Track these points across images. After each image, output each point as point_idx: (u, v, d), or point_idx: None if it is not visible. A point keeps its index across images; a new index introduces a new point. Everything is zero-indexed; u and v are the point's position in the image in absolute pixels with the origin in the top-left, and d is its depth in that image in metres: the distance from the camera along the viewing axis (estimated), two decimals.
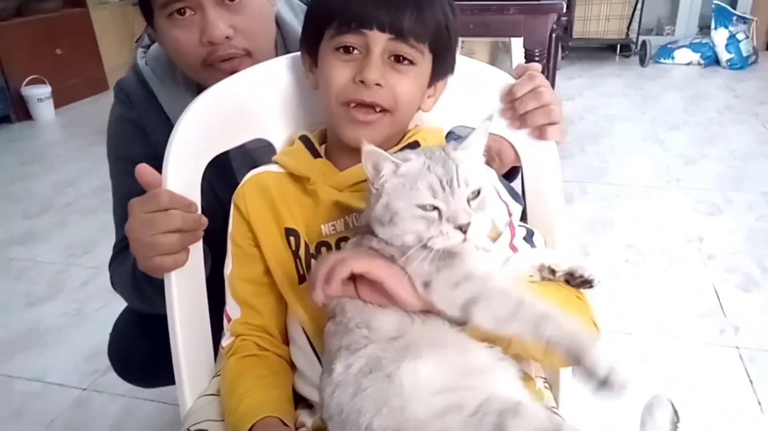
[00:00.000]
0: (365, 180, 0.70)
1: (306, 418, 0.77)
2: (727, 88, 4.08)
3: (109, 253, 1.08)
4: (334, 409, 0.62)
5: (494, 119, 0.87)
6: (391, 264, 0.65)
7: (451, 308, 0.62)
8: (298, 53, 0.87)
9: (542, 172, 0.88)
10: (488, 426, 0.55)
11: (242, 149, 0.98)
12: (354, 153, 0.72)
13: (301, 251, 0.80)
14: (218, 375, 0.85)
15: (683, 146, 3.16)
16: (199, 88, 0.98)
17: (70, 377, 1.72)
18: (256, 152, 0.99)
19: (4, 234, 2.58)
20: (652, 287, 2.00)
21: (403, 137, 0.84)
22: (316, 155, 0.84)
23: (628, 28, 4.74)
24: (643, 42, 4.64)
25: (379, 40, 0.73)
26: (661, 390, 0.69)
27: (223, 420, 0.77)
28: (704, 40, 4.57)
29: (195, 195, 0.83)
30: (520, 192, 0.87)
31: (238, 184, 0.85)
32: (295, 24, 1.05)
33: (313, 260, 0.79)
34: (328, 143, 0.86)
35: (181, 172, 0.82)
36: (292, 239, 0.80)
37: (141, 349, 1.11)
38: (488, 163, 0.89)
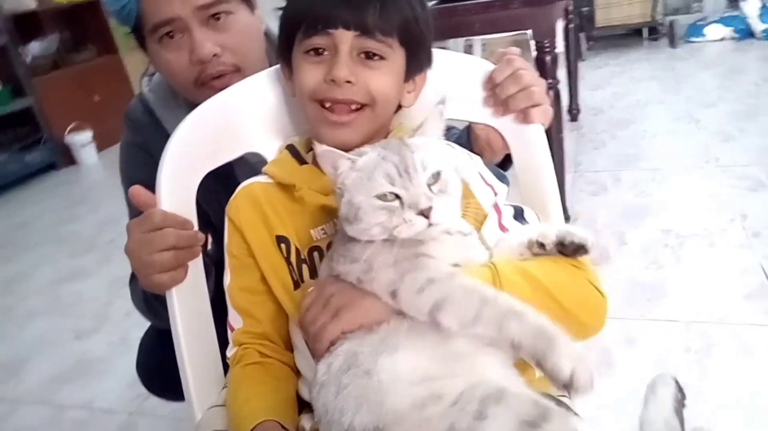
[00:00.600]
0: None
1: (306, 422, 0.77)
2: (764, 60, 3.89)
3: None
4: (321, 410, 0.62)
5: (478, 107, 0.87)
6: (362, 294, 0.66)
7: (420, 314, 0.62)
8: (278, 66, 0.89)
9: (531, 155, 0.87)
10: (468, 415, 0.53)
11: (247, 165, 1.00)
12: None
13: (293, 258, 0.81)
14: (226, 386, 0.86)
15: (720, 123, 3.02)
16: None
17: (116, 402, 1.78)
18: (258, 167, 1.00)
19: (54, 274, 2.70)
20: (695, 270, 1.91)
21: (386, 136, 0.85)
22: (302, 162, 0.85)
23: (654, 9, 4.60)
24: (671, 22, 4.50)
25: (345, 39, 0.74)
26: (707, 377, 0.65)
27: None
28: (735, 13, 4.39)
29: (190, 212, 0.86)
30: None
31: None
32: None
33: (305, 276, 0.80)
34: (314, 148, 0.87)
35: (174, 190, 0.85)
36: (283, 246, 0.81)
37: (165, 363, 1.14)
38: (480, 153, 0.89)
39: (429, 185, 0.63)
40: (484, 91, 0.87)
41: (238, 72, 0.96)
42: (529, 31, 2.81)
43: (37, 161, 4.07)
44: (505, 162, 0.97)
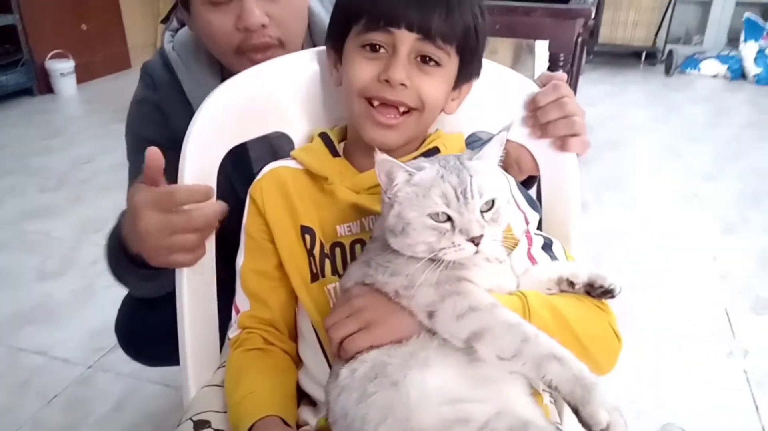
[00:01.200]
0: None
1: (309, 416, 0.77)
2: (752, 104, 4.01)
3: None
4: (339, 413, 0.61)
5: (515, 126, 0.86)
6: (395, 310, 0.65)
7: (455, 340, 0.62)
8: (323, 48, 0.86)
9: (561, 182, 0.87)
10: None
11: (262, 138, 0.97)
12: (373, 154, 0.71)
13: (316, 250, 0.79)
14: (223, 366, 0.85)
15: (703, 160, 3.11)
16: (223, 76, 0.98)
17: (75, 353, 1.74)
18: (275, 142, 0.98)
19: (20, 207, 2.60)
20: (663, 302, 1.98)
21: (423, 141, 0.84)
22: (335, 153, 0.83)
23: (656, 35, 4.67)
24: (670, 51, 4.58)
25: (406, 40, 0.73)
26: (664, 408, 0.67)
27: (225, 412, 0.77)
28: (732, 53, 4.50)
29: (212, 183, 0.83)
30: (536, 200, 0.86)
31: (254, 175, 0.85)
32: (324, 16, 1.05)
33: (327, 270, 0.78)
34: (347, 141, 0.86)
35: (199, 160, 0.82)
36: (307, 236, 0.80)
37: (147, 326, 1.12)
38: (506, 170, 0.88)
39: (482, 212, 0.63)
40: (525, 111, 0.86)
41: (281, 47, 0.93)
42: (538, 42, 2.82)
43: (12, 83, 3.87)
44: (526, 183, 0.97)
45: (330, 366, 0.75)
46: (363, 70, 0.75)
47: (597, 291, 0.69)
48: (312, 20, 1.04)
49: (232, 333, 0.83)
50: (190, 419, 0.77)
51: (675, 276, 2.13)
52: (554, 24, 1.97)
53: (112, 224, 1.09)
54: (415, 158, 0.75)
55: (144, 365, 1.30)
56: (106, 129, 3.44)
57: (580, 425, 0.56)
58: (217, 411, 0.78)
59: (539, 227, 0.81)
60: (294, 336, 0.84)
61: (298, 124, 0.92)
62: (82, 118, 3.84)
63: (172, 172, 0.80)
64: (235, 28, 0.90)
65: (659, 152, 3.24)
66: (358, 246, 0.79)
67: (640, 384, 1.61)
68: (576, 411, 0.56)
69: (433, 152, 0.80)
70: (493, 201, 0.64)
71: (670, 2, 4.49)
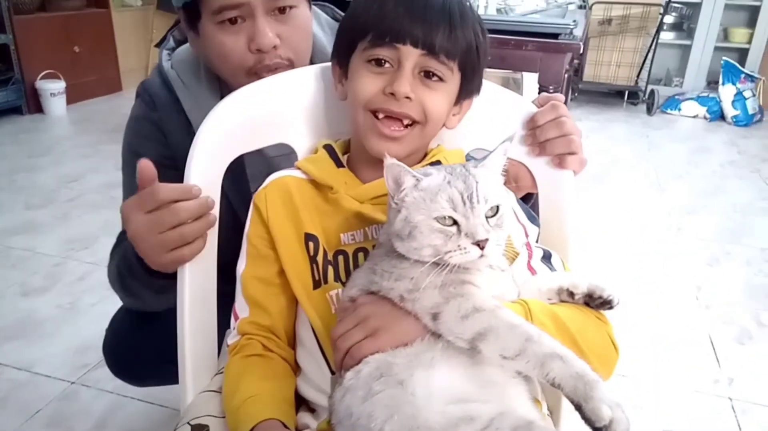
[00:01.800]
0: (387, 194, 0.71)
1: (309, 420, 0.76)
2: (731, 144, 4.14)
3: (109, 249, 1.08)
4: (344, 413, 0.62)
5: (514, 144, 0.89)
6: (400, 316, 0.66)
7: (459, 341, 0.63)
8: (328, 64, 0.89)
9: (559, 199, 0.90)
10: None
11: (260, 156, 0.99)
12: (377, 165, 0.73)
13: (319, 257, 0.80)
14: (221, 372, 0.84)
15: (685, 195, 3.19)
16: (222, 94, 0.99)
17: (58, 369, 1.70)
18: (275, 161, 0.99)
19: (5, 223, 2.57)
20: (648, 331, 2.00)
21: (425, 155, 0.86)
22: (339, 164, 0.85)
23: (638, 76, 4.82)
24: (652, 91, 4.72)
25: (411, 55, 0.75)
26: None
27: (223, 417, 0.76)
28: (711, 95, 4.65)
29: (216, 192, 0.84)
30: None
31: (250, 191, 0.86)
32: (322, 37, 1.08)
33: (330, 277, 0.79)
34: (351, 153, 0.87)
35: (204, 170, 0.83)
36: (311, 244, 0.81)
37: (135, 347, 1.11)
38: (505, 185, 0.90)
39: (487, 218, 0.64)
40: (523, 130, 0.89)
41: (291, 66, 0.95)
42: (525, 74, 2.90)
43: (2, 101, 3.87)
44: (524, 200, 1.00)
45: (332, 372, 0.75)
46: (369, 83, 0.78)
47: (596, 302, 0.71)
48: (313, 42, 1.07)
49: (231, 339, 0.83)
50: (188, 423, 0.76)
51: (660, 307, 2.16)
52: (545, 57, 2.03)
53: (100, 241, 1.09)
54: None
55: (130, 384, 1.28)
56: (95, 149, 3.44)
57: (580, 424, 0.57)
58: (215, 416, 0.77)
59: (537, 242, 0.83)
60: (293, 343, 0.84)
61: (302, 137, 0.93)
62: (71, 138, 3.82)
63: None
64: (247, 49, 0.92)
65: (643, 187, 3.31)
66: (361, 255, 0.80)
67: (627, 409, 1.61)
68: (579, 408, 0.57)
69: (436, 165, 0.82)
70: (497, 207, 0.65)
71: (651, 44, 4.65)
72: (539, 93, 2.13)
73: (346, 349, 0.68)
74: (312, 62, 1.06)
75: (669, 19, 4.92)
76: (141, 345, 1.09)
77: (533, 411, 0.64)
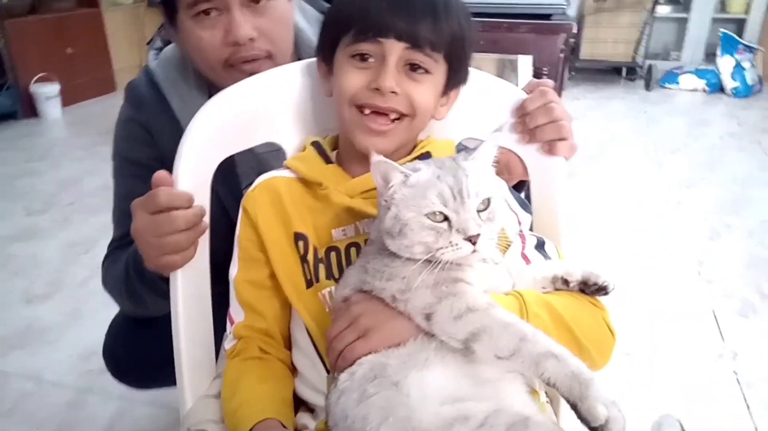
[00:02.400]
0: (376, 188, 0.70)
1: (307, 421, 0.77)
2: (730, 116, 4.10)
3: None
4: (339, 415, 0.62)
5: (504, 132, 0.88)
6: (392, 316, 0.66)
7: (453, 341, 0.62)
8: (314, 59, 0.88)
9: (550, 185, 0.89)
10: None
11: (250, 153, 0.98)
12: (365, 160, 0.72)
13: (310, 256, 0.80)
14: (219, 376, 0.85)
15: (684, 169, 3.17)
16: (210, 93, 0.99)
17: (64, 376, 1.71)
18: (263, 157, 0.99)
19: (6, 230, 2.57)
20: (651, 308, 2.00)
21: (414, 147, 0.85)
22: (327, 160, 0.84)
23: (635, 51, 4.78)
24: (649, 66, 4.68)
25: (395, 49, 0.74)
26: (657, 410, 0.68)
27: (223, 422, 0.77)
28: (710, 67, 4.60)
29: (205, 195, 0.84)
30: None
31: (241, 189, 0.86)
32: (308, 32, 1.07)
33: (321, 275, 0.79)
34: (339, 149, 0.87)
35: (192, 172, 0.83)
36: (300, 243, 0.80)
37: (135, 350, 1.11)
38: (497, 175, 0.90)
39: (478, 212, 0.64)
40: (512, 118, 0.88)
41: (270, 59, 0.94)
42: (520, 56, 2.88)
43: None
44: (516, 188, 0.99)
45: (327, 371, 0.75)
46: (353, 79, 0.77)
47: (591, 289, 0.70)
48: (298, 36, 1.06)
49: (228, 343, 0.83)
50: (188, 429, 0.77)
51: (662, 282, 2.15)
52: (538, 39, 2.02)
53: (101, 244, 1.09)
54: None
55: (132, 388, 1.28)
56: (92, 151, 3.43)
57: (577, 423, 0.56)
58: (215, 422, 0.78)
59: (530, 229, 0.83)
60: (289, 344, 0.84)
61: (290, 134, 0.93)
62: (68, 140, 3.82)
63: None
64: (223, 42, 0.91)
65: (642, 163, 3.29)
66: (353, 250, 0.80)
67: (632, 386, 1.62)
68: (574, 407, 0.56)
69: (425, 157, 0.82)
70: (488, 200, 0.65)
71: (647, 19, 4.60)
72: (534, 76, 2.11)
73: (339, 350, 0.68)
74: (299, 57, 1.05)
75: None
76: (141, 349, 1.09)
77: (530, 404, 0.63)
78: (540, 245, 0.78)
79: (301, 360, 0.81)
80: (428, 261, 0.63)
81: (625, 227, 2.56)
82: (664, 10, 4.93)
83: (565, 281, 0.71)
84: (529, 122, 0.86)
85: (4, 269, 2.29)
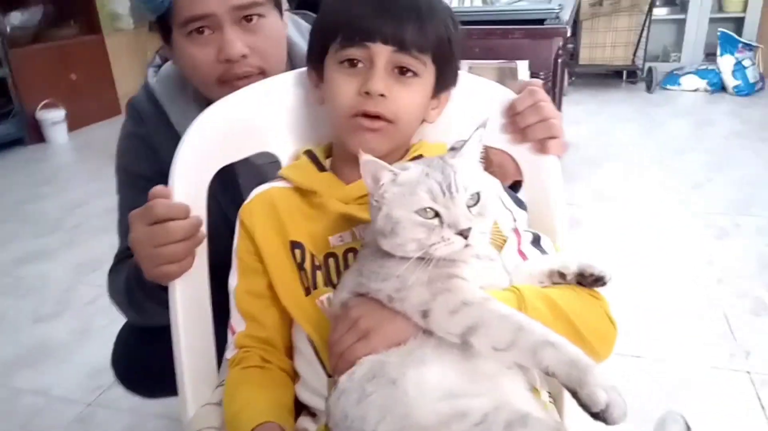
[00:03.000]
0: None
1: (309, 424, 0.77)
2: (733, 115, 4.09)
3: None
4: (339, 416, 0.61)
5: (496, 133, 0.89)
6: (391, 316, 0.66)
7: (450, 336, 0.62)
8: (305, 69, 0.89)
9: (544, 183, 0.89)
10: None
11: (250, 164, 1.00)
12: (359, 167, 0.73)
13: (307, 264, 0.80)
14: (222, 385, 0.85)
15: (690, 170, 3.15)
16: (208, 106, 1.00)
17: (74, 392, 1.72)
18: (264, 168, 1.00)
19: (15, 253, 2.60)
20: (661, 309, 1.98)
21: (407, 151, 0.86)
22: (321, 168, 0.85)
23: (634, 54, 4.78)
24: (650, 68, 4.68)
25: (382, 53, 0.75)
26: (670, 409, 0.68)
27: (225, 428, 0.77)
28: (710, 67, 4.59)
29: (201, 205, 0.85)
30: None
31: (243, 200, 0.87)
32: (302, 45, 1.08)
33: (319, 282, 0.79)
34: (333, 156, 0.87)
35: (188, 183, 0.84)
36: (297, 251, 0.81)
37: (143, 358, 1.12)
38: (491, 176, 0.90)
39: (469, 207, 0.64)
40: (503, 118, 0.89)
41: (262, 75, 0.95)
42: (518, 62, 2.89)
43: (4, 134, 3.92)
44: (511, 188, 0.99)
45: (328, 375, 0.75)
46: (344, 85, 0.77)
47: (588, 280, 0.70)
48: (291, 50, 1.07)
49: (230, 353, 0.83)
50: None
51: (672, 283, 2.13)
52: (532, 44, 2.03)
53: (108, 263, 1.11)
54: None
55: (142, 397, 1.29)
56: (98, 174, 3.46)
57: (581, 423, 0.56)
58: (217, 428, 0.78)
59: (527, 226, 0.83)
60: (290, 352, 0.84)
61: (284, 144, 0.94)
62: (74, 164, 3.88)
63: None
64: (217, 60, 0.93)
65: (647, 165, 3.28)
66: (350, 255, 0.80)
67: (643, 387, 1.60)
68: (575, 394, 0.56)
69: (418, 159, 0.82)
70: (478, 195, 0.65)
71: (645, 21, 4.61)
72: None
73: (340, 353, 0.68)
74: (293, 68, 1.07)
75: None
76: (148, 357, 1.10)
77: (530, 401, 0.63)
78: (536, 241, 0.78)
79: (303, 365, 0.81)
80: (422, 259, 0.63)
81: (633, 230, 2.55)
82: (661, 11, 4.94)
83: (562, 275, 0.71)
84: (519, 122, 0.87)
85: (13, 290, 2.32)
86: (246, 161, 0.96)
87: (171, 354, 0.85)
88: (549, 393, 0.84)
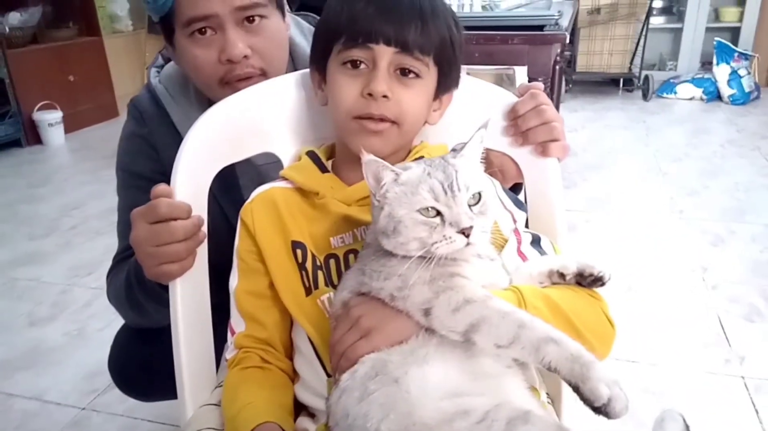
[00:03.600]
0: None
1: (308, 424, 0.76)
2: (729, 123, 4.11)
3: None
4: (340, 414, 0.61)
5: (497, 135, 0.89)
6: (392, 314, 0.66)
7: (453, 334, 0.63)
8: (307, 70, 0.89)
9: (545, 186, 0.89)
10: None
11: (250, 165, 1.00)
12: (361, 168, 0.73)
13: (308, 264, 0.80)
14: (220, 386, 0.84)
15: (686, 178, 3.17)
16: (210, 107, 1.01)
17: (68, 396, 1.71)
18: (264, 168, 1.01)
19: (10, 255, 2.59)
20: (657, 315, 1.99)
21: (409, 152, 0.86)
22: (323, 169, 0.85)
23: (631, 62, 4.81)
24: (646, 77, 4.70)
25: (385, 54, 0.76)
26: None
27: (223, 429, 0.76)
28: (706, 76, 4.62)
29: (202, 205, 0.85)
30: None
31: (243, 201, 0.87)
32: (304, 45, 1.08)
33: (320, 282, 0.79)
34: (336, 157, 0.88)
35: (189, 183, 0.84)
36: (298, 251, 0.81)
37: (140, 361, 1.11)
38: (491, 177, 0.90)
39: (470, 206, 0.64)
40: (505, 121, 0.89)
41: (264, 76, 0.96)
42: (516, 68, 2.91)
43: (1, 135, 3.90)
44: (512, 190, 1.00)
45: (328, 375, 0.75)
46: (347, 86, 0.78)
47: (587, 280, 0.71)
48: (294, 50, 1.08)
49: (229, 353, 0.83)
50: None
51: (667, 290, 2.14)
52: (531, 50, 2.04)
53: (104, 266, 1.11)
54: None
55: (137, 400, 1.28)
56: (95, 176, 3.46)
57: (579, 421, 0.56)
58: (216, 429, 0.77)
59: (526, 227, 0.83)
60: (290, 353, 0.84)
61: (286, 144, 0.94)
62: (71, 166, 3.86)
63: None
64: (218, 61, 0.93)
65: (643, 172, 3.30)
66: (351, 257, 0.80)
67: (638, 393, 1.61)
68: (577, 389, 0.56)
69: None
70: (479, 194, 0.65)
71: (642, 30, 4.64)
72: None
73: (341, 352, 0.68)
74: (295, 69, 1.07)
75: (658, 3, 4.91)
76: (146, 360, 1.09)
77: (530, 400, 0.63)
78: (536, 242, 0.78)
79: (303, 365, 0.81)
80: (423, 258, 0.64)
81: (628, 236, 2.56)
82: (658, 20, 4.98)
83: (562, 275, 0.71)
84: (521, 125, 0.87)
85: (8, 293, 2.30)
86: (247, 162, 0.96)
87: (168, 357, 0.84)
88: (548, 393, 0.85)
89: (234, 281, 0.84)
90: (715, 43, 4.51)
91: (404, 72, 0.77)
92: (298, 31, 1.11)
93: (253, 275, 0.82)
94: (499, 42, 2.01)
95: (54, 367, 1.85)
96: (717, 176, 3.16)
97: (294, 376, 0.83)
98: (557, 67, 3.20)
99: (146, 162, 1.05)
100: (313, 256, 0.81)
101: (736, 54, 4.46)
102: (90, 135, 4.38)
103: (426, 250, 0.63)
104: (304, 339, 0.79)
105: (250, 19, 0.93)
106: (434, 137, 0.90)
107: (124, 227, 1.06)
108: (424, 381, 0.59)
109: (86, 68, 4.48)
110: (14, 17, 4.01)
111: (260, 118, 0.92)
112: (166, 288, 0.83)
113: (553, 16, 2.05)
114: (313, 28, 1.13)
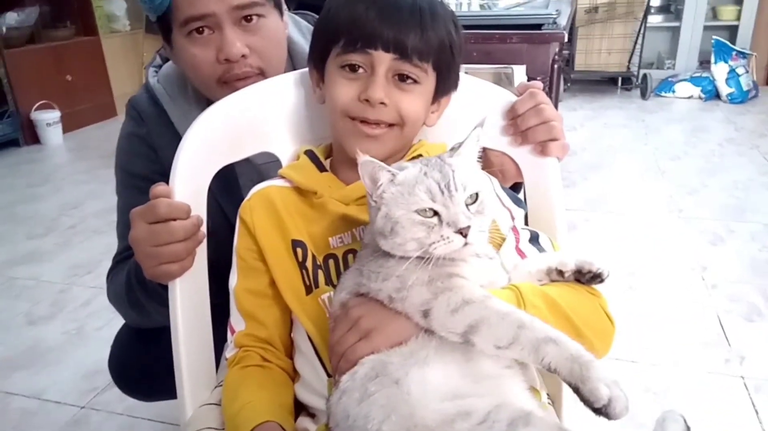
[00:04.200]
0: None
1: (308, 424, 0.76)
2: (727, 122, 4.12)
3: None
4: (341, 415, 0.61)
5: (497, 135, 0.89)
6: (392, 315, 0.66)
7: (452, 335, 0.62)
8: (306, 69, 0.89)
9: (544, 185, 0.89)
10: None
11: (249, 164, 1.00)
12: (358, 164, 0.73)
13: (308, 262, 0.80)
14: (220, 386, 0.84)
15: (685, 176, 3.17)
16: (208, 106, 1.00)
17: (68, 395, 1.71)
18: (263, 168, 1.00)
19: (8, 254, 2.58)
20: (656, 315, 1.99)
21: (407, 153, 0.86)
22: (321, 169, 0.85)
23: (629, 61, 4.82)
24: (644, 75, 4.71)
25: (383, 60, 0.75)
26: None
27: (223, 429, 0.76)
28: (704, 75, 4.63)
29: (201, 204, 0.85)
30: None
31: (243, 200, 0.86)
32: (303, 44, 1.08)
33: (321, 281, 0.79)
34: (333, 157, 0.88)
35: (188, 183, 0.84)
36: (299, 250, 0.81)
37: (141, 361, 1.11)
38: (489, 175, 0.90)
39: (467, 205, 0.64)
40: (504, 120, 0.89)
41: (262, 75, 0.95)
42: (515, 67, 2.91)
43: None
44: (513, 190, 0.99)
45: (328, 375, 0.75)
46: (344, 89, 0.77)
47: (586, 277, 0.70)
48: (292, 49, 1.08)
49: (229, 352, 0.83)
50: None
51: (666, 289, 2.14)
52: (529, 49, 2.04)
53: (103, 265, 1.10)
54: None
55: (137, 399, 1.28)
56: (93, 175, 3.46)
57: (579, 422, 0.56)
58: (216, 428, 0.77)
59: (525, 224, 0.83)
60: (290, 352, 0.84)
61: (285, 143, 0.94)
62: (69, 165, 3.85)
63: None
64: (216, 60, 0.93)
65: (642, 171, 3.30)
66: (350, 257, 0.80)
67: (638, 393, 1.61)
68: (576, 390, 0.56)
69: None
70: (476, 194, 0.65)
71: (640, 29, 4.64)
72: None
73: (341, 353, 0.68)
74: (294, 68, 1.07)
75: (656, 1, 4.92)
76: (146, 360, 1.09)
77: (531, 401, 0.63)
78: (534, 239, 0.78)
79: (304, 364, 0.81)
80: (421, 258, 0.63)
81: (627, 235, 2.56)
82: (655, 19, 4.98)
83: (560, 272, 0.71)
84: (520, 124, 0.87)
85: (6, 292, 2.30)
86: (246, 161, 0.96)
87: (168, 357, 0.84)
88: (548, 394, 0.84)
89: (233, 279, 0.84)
90: (713, 41, 4.51)
91: (402, 78, 0.77)
92: (297, 30, 1.11)
93: (253, 273, 0.82)
94: (498, 41, 2.00)
95: (53, 366, 1.85)
96: (716, 175, 3.16)
97: (294, 375, 0.82)
98: (555, 66, 3.20)
99: (145, 162, 1.04)
100: (313, 255, 0.81)
101: (734, 52, 4.46)
102: (88, 135, 4.38)
103: (424, 250, 0.63)
104: (305, 338, 0.79)
105: (247, 18, 0.93)
106: (432, 136, 0.90)
107: (124, 228, 1.06)
108: (425, 383, 0.59)
109: (84, 68, 4.48)
110: (11, 17, 4.00)
111: (259, 117, 0.92)
112: (166, 288, 0.83)
113: (551, 14, 2.04)
114: (311, 27, 1.13)
